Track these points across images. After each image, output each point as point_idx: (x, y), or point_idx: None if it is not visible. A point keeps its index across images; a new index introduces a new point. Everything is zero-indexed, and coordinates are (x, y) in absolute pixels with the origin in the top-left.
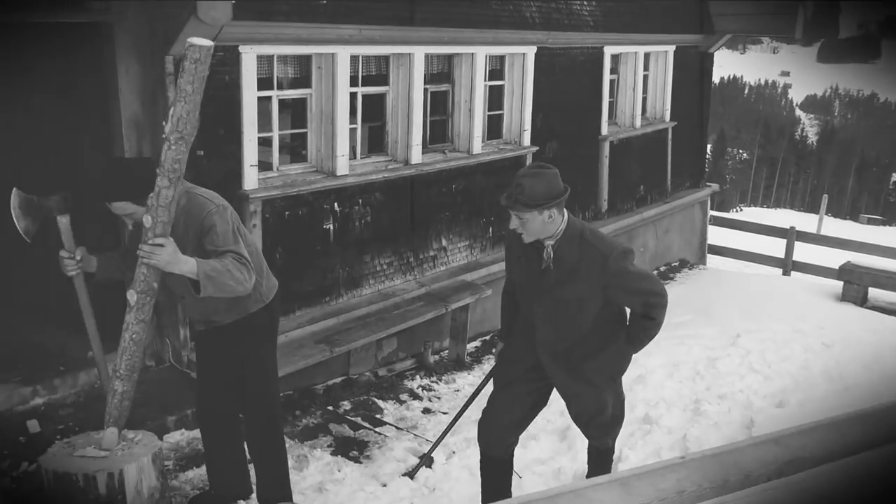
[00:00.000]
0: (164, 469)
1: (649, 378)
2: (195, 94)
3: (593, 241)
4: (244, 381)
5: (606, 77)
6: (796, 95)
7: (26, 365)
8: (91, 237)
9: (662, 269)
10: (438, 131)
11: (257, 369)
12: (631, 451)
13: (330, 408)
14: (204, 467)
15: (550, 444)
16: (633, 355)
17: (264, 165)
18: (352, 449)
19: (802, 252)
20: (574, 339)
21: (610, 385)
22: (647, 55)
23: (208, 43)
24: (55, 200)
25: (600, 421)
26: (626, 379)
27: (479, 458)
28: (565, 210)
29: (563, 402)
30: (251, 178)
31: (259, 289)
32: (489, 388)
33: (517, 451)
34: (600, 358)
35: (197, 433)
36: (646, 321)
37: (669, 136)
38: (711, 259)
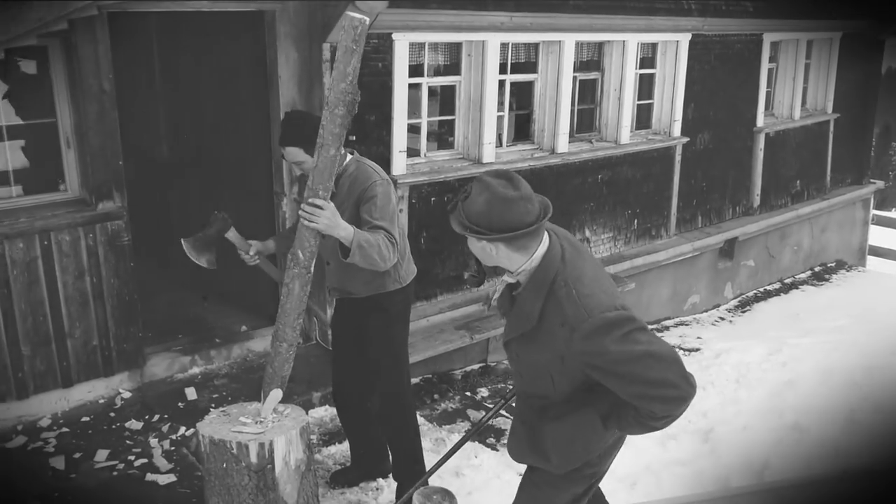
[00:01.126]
0: (310, 443)
1: (800, 383)
2: (353, 62)
3: (563, 298)
4: (374, 358)
5: (765, 65)
6: None
7: (186, 336)
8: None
9: (817, 269)
10: (586, 120)
11: (387, 348)
12: (779, 459)
13: (468, 394)
14: (346, 443)
15: (692, 444)
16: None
17: (412, 152)
18: (489, 436)
19: None
20: (544, 398)
21: (564, 472)
22: (809, 42)
23: (364, 17)
24: (217, 225)
25: None
26: (776, 382)
27: None
28: (544, 245)
29: (704, 402)
30: (400, 164)
31: (399, 270)
32: None
33: (654, 450)
34: (569, 423)
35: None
36: (646, 416)
37: (831, 128)
38: (872, 261)
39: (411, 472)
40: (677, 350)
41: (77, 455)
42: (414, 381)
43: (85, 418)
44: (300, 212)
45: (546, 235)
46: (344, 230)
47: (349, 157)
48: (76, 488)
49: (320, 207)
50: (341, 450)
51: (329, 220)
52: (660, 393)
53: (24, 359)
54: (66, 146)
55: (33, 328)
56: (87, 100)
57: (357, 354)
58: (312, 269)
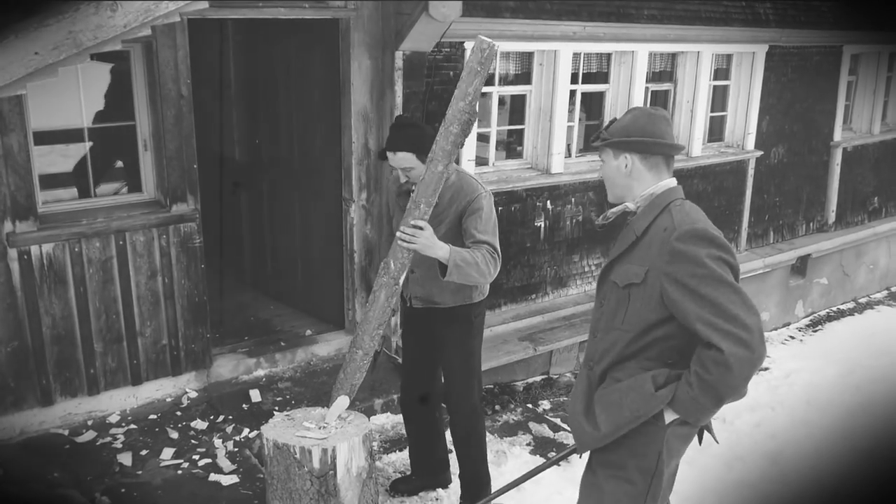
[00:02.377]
0: (372, 450)
1: (874, 407)
2: (476, 83)
3: (675, 211)
4: (451, 368)
5: (844, 78)
6: None
7: (252, 339)
8: (320, 233)
9: (894, 289)
10: None
11: (465, 359)
12: (851, 487)
13: (529, 406)
14: (407, 451)
15: (759, 466)
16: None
17: (481, 160)
18: (550, 449)
19: None
20: (610, 351)
21: (613, 438)
22: (892, 55)
23: (493, 43)
24: None
25: None
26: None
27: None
28: (673, 181)
29: (774, 422)
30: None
31: (481, 286)
32: None
33: (719, 470)
34: (618, 387)
35: (400, 418)
36: (709, 359)
37: None
38: None
39: (478, 479)
40: None
41: (143, 452)
42: None
43: (152, 416)
44: (398, 233)
45: (675, 180)
46: (441, 250)
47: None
48: (142, 485)
49: (420, 228)
50: (402, 458)
51: (427, 240)
52: (733, 329)
53: (96, 355)
54: (143, 149)
55: (106, 326)
56: (166, 104)
57: (432, 363)
58: (402, 281)
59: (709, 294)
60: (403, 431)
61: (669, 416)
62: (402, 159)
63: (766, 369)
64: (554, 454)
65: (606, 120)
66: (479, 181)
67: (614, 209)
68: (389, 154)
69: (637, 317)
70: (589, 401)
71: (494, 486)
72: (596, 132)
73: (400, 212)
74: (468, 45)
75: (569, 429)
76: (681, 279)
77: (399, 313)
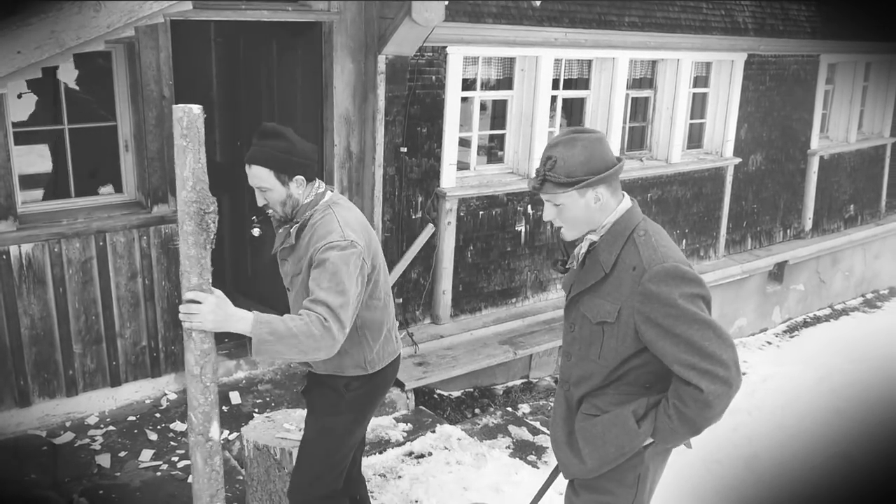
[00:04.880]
0: None
1: (849, 412)
2: (190, 162)
3: (640, 244)
4: (302, 442)
5: (821, 87)
6: None
7: (232, 341)
8: None
9: (869, 295)
10: (636, 138)
11: (317, 434)
12: (828, 490)
13: (509, 409)
14: (387, 453)
15: (736, 470)
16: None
17: (462, 165)
18: (530, 453)
19: None
20: (587, 380)
21: (599, 472)
22: (868, 65)
23: (194, 107)
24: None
25: None
26: (825, 410)
27: None
28: (625, 195)
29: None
30: (449, 177)
31: (364, 354)
32: None
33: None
34: (599, 420)
35: (381, 421)
36: (687, 395)
37: (888, 153)
38: None
39: None
40: None
41: (122, 454)
42: (455, 394)
43: (131, 417)
44: (180, 315)
45: (626, 194)
46: (241, 321)
47: (327, 195)
48: (120, 486)
49: (198, 302)
50: (381, 460)
51: (211, 314)
52: (710, 368)
53: (74, 356)
54: (124, 150)
55: (85, 327)
56: (148, 105)
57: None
58: (215, 434)
59: (683, 333)
60: (382, 434)
61: (648, 441)
62: (257, 176)
63: (743, 374)
64: (533, 457)
65: (586, 123)
66: (345, 224)
67: (579, 250)
68: (247, 168)
69: (613, 352)
70: (570, 427)
71: (472, 488)
72: (538, 175)
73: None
74: (451, 50)
75: (548, 432)
76: (655, 319)
77: None
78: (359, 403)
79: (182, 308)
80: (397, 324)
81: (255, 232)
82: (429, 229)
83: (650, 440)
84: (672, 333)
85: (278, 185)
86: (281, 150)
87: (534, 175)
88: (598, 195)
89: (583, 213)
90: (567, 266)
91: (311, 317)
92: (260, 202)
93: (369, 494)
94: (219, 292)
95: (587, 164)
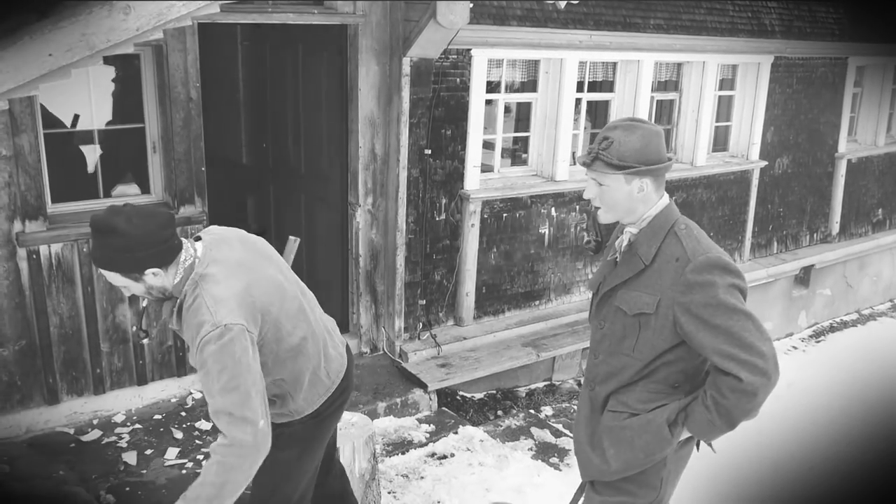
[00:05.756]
0: (375, 453)
1: (876, 419)
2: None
3: (682, 236)
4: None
5: (849, 90)
6: None
7: None
8: (326, 237)
9: None
10: None
11: (264, 467)
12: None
13: (532, 411)
14: (409, 454)
15: (760, 475)
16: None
17: (486, 167)
18: (552, 455)
19: None
20: (616, 375)
21: (623, 475)
22: None
23: None
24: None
25: None
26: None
27: None
28: (665, 194)
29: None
30: (473, 179)
31: (287, 406)
32: None
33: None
34: (629, 424)
35: (404, 422)
36: (725, 386)
37: None
38: None
39: None
40: None
41: (148, 451)
42: (478, 396)
43: (157, 416)
44: None
45: (668, 197)
46: None
47: (196, 264)
48: (146, 484)
49: None
50: (403, 461)
51: None
52: (749, 358)
53: (102, 355)
54: (152, 151)
55: (113, 326)
56: (175, 107)
57: None
58: None
59: (723, 324)
60: (405, 435)
61: (682, 435)
62: (111, 279)
63: None
64: (556, 459)
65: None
66: (214, 309)
67: (623, 241)
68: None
69: (648, 345)
70: (594, 427)
71: (495, 490)
72: (591, 152)
73: None
74: (475, 52)
75: (571, 435)
76: (695, 310)
77: None
78: (300, 437)
79: None
80: (327, 353)
81: (145, 341)
82: (292, 242)
83: (686, 435)
84: (712, 324)
85: (132, 283)
86: (118, 250)
87: (586, 152)
88: (644, 185)
89: (624, 200)
90: (608, 257)
91: (220, 451)
92: (127, 294)
93: (391, 496)
94: None
95: (641, 151)
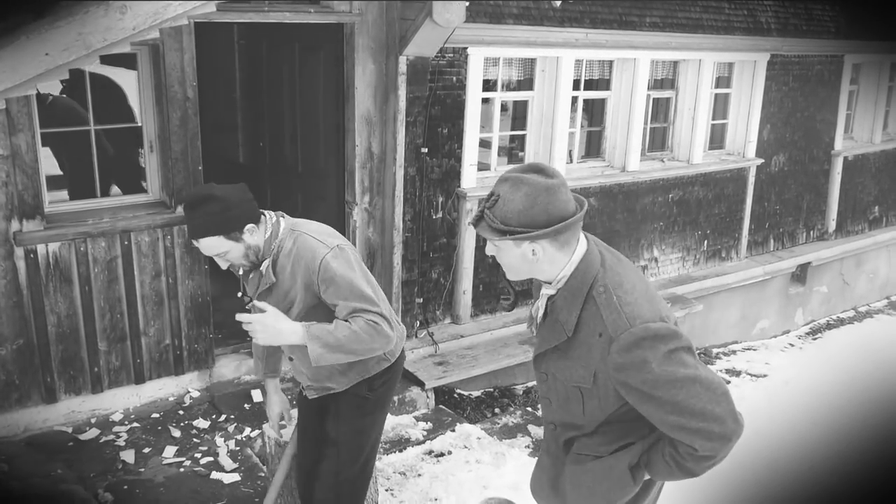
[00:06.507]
0: None
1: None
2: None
3: (602, 305)
4: (333, 443)
5: (845, 88)
6: None
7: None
8: None
9: (894, 298)
10: (658, 139)
11: (353, 438)
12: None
13: (529, 409)
14: (406, 453)
15: (756, 475)
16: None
17: (482, 166)
18: None
19: None
20: (573, 426)
21: None
22: (893, 65)
23: None
24: None
25: None
26: (847, 414)
27: None
28: (582, 246)
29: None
30: (470, 178)
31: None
32: None
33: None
34: (591, 468)
35: (401, 420)
36: (682, 451)
37: None
38: None
39: None
40: (744, 375)
41: (146, 450)
42: (475, 393)
43: (155, 415)
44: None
45: (582, 236)
46: (293, 334)
47: (281, 225)
48: (144, 482)
49: (256, 314)
50: (401, 458)
51: (262, 335)
52: (703, 426)
53: (100, 354)
54: (149, 150)
55: (110, 325)
56: (172, 106)
57: (315, 439)
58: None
59: (665, 396)
60: (403, 433)
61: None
62: (210, 246)
63: (764, 376)
64: None
65: (608, 124)
66: (322, 237)
67: (539, 309)
68: (195, 243)
69: (598, 410)
70: (558, 469)
71: (492, 487)
72: (477, 213)
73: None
74: (472, 51)
75: None
76: (634, 386)
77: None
78: (384, 398)
79: (241, 317)
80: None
81: (263, 306)
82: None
83: (646, 476)
84: (654, 397)
85: (233, 244)
86: (218, 212)
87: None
88: (537, 249)
89: (519, 263)
90: (528, 326)
91: (359, 321)
92: (223, 266)
93: (388, 493)
94: (272, 309)
95: (525, 213)
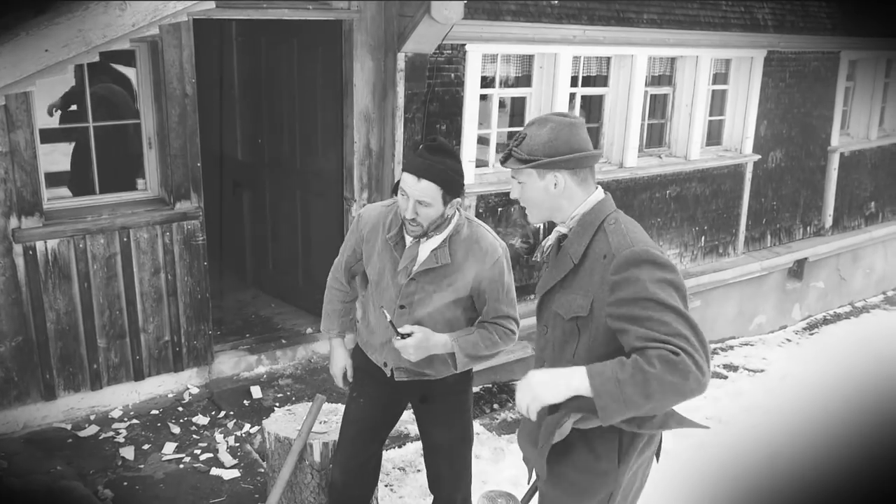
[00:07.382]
0: None
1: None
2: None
3: (610, 231)
4: (442, 451)
5: (842, 84)
6: None
7: (253, 336)
8: (321, 232)
9: (890, 293)
10: (655, 135)
11: (462, 439)
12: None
13: None
14: (406, 447)
15: (753, 467)
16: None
17: (481, 162)
18: None
19: None
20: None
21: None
22: (889, 61)
23: None
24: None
25: None
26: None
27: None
28: (600, 192)
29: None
30: (468, 174)
31: None
32: None
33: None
34: (545, 423)
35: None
36: (655, 355)
37: None
38: None
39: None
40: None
41: (146, 446)
42: (475, 390)
43: (154, 411)
44: (395, 340)
45: (601, 189)
46: (443, 347)
47: (456, 214)
48: (144, 478)
49: (407, 335)
50: (400, 454)
51: (419, 351)
52: (683, 344)
53: (99, 351)
54: (147, 147)
55: (109, 321)
56: (171, 103)
57: (378, 447)
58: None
59: (653, 316)
60: (403, 429)
61: (570, 393)
62: (425, 191)
63: (762, 371)
64: None
65: (605, 120)
66: (495, 235)
67: (549, 241)
68: (411, 179)
69: (588, 351)
70: (537, 424)
71: (491, 482)
72: (505, 150)
73: (392, 266)
74: (470, 48)
75: None
76: (623, 310)
77: (352, 377)
78: (470, 388)
79: (396, 344)
80: None
81: (409, 329)
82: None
83: (575, 394)
84: (639, 318)
85: (440, 204)
86: (454, 171)
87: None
88: (558, 180)
89: (541, 197)
90: (533, 258)
91: (499, 330)
92: (410, 214)
93: (388, 489)
94: (419, 330)
95: (550, 144)
